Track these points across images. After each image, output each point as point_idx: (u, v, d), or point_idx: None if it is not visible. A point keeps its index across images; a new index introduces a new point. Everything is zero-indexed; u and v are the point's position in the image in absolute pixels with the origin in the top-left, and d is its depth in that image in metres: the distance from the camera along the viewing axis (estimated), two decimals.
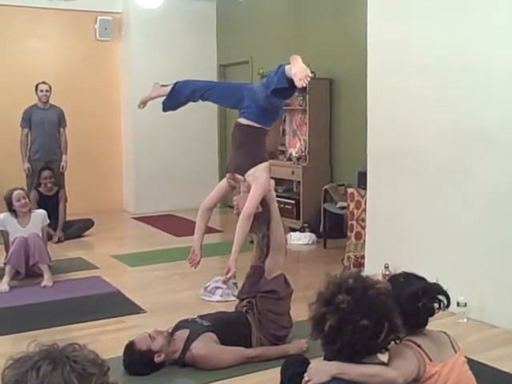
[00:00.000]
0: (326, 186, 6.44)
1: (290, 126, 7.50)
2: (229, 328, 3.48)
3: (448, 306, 2.38)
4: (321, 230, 6.41)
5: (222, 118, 8.95)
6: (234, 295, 4.40)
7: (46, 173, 6.81)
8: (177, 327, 3.48)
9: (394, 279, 2.44)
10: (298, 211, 6.93)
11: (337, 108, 6.92)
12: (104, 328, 4.05)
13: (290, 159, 7.27)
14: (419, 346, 2.25)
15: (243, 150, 3.67)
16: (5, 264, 5.08)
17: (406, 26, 4.64)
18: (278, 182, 6.58)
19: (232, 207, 3.86)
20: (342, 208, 5.97)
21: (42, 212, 5.49)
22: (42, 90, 7.00)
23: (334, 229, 6.44)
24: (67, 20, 8.13)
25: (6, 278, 4.97)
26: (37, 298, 4.74)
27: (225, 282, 4.44)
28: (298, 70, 3.30)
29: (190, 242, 4.05)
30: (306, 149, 7.05)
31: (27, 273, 5.14)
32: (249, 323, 3.54)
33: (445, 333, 2.42)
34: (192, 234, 3.91)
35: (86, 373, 1.17)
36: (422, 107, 4.54)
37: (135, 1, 8.12)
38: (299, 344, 3.51)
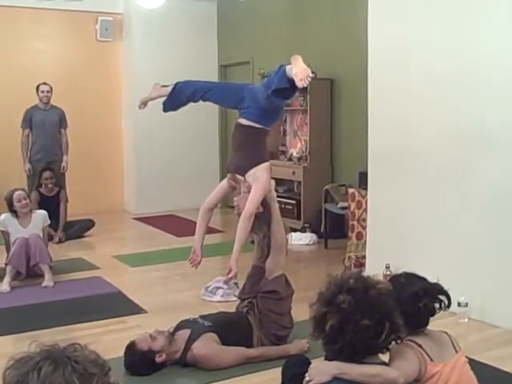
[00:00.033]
0: (326, 186, 6.44)
1: (291, 127, 7.50)
2: (230, 328, 3.48)
3: (449, 306, 2.38)
4: (322, 230, 6.41)
5: (222, 119, 8.96)
6: (234, 295, 4.40)
7: (46, 173, 6.82)
8: (178, 327, 3.48)
9: (395, 279, 2.44)
10: (298, 211, 6.93)
11: (337, 108, 6.92)
12: (105, 328, 4.05)
13: (290, 159, 7.27)
14: (420, 345, 2.25)
15: (244, 150, 3.67)
16: (6, 264, 5.09)
17: (406, 27, 4.64)
18: (279, 182, 6.58)
19: (233, 207, 3.86)
20: (343, 208, 5.97)
21: (42, 212, 5.50)
22: (43, 91, 7.00)
23: (335, 229, 6.44)
24: (68, 21, 8.13)
25: (6, 279, 4.97)
26: (38, 298, 4.74)
27: (226, 282, 4.44)
28: (299, 71, 3.30)
29: (190, 243, 4.05)
30: (306, 149, 7.05)
31: (28, 273, 5.14)
32: (250, 323, 3.54)
33: (446, 333, 2.42)
34: (193, 234, 3.91)
35: (88, 373, 1.17)
36: (422, 107, 4.54)
37: (136, 1, 8.12)
38: (300, 344, 3.51)
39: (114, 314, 4.35)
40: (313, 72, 3.39)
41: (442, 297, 2.36)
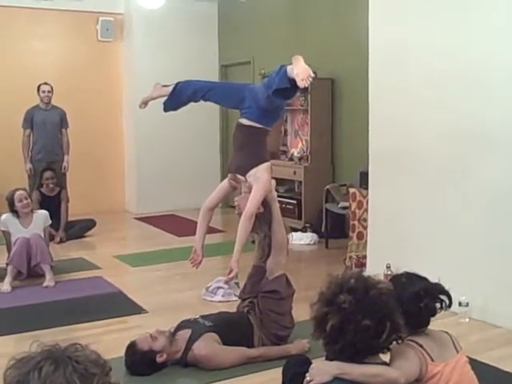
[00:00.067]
0: (327, 186, 6.44)
1: (292, 126, 7.50)
2: (231, 328, 3.48)
3: (450, 305, 2.38)
4: (322, 230, 6.41)
5: (223, 119, 8.96)
6: (235, 295, 4.40)
7: (47, 173, 6.82)
8: (179, 327, 3.48)
9: (396, 279, 2.44)
10: (299, 211, 6.93)
11: (338, 108, 6.92)
12: (106, 328, 4.05)
13: (291, 159, 7.27)
14: (421, 345, 2.25)
15: (244, 150, 3.67)
16: (7, 264, 5.09)
17: (406, 27, 4.65)
18: (280, 182, 6.58)
19: (233, 207, 3.86)
20: (344, 208, 5.97)
21: (43, 212, 5.50)
22: (44, 91, 7.01)
23: (336, 229, 6.44)
24: (69, 21, 8.14)
25: (8, 279, 4.98)
26: (39, 298, 4.74)
27: (227, 282, 4.44)
28: (300, 71, 3.30)
29: (191, 242, 4.05)
30: (307, 149, 7.05)
31: (29, 273, 5.14)
32: (251, 323, 3.54)
33: (447, 333, 2.42)
34: (194, 234, 3.91)
35: (88, 373, 1.17)
36: (422, 107, 4.54)
37: (137, 1, 8.13)
38: (301, 344, 3.51)
39: (114, 313, 4.35)
40: (313, 72, 3.39)
41: (442, 297, 2.36)
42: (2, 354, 2.81)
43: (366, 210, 5.27)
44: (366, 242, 5.26)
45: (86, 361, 1.19)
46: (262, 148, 3.71)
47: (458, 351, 2.34)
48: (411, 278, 2.42)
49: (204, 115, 8.22)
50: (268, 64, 6.85)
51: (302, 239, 6.57)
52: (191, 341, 3.33)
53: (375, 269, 4.54)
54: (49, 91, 7.02)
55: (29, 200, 5.34)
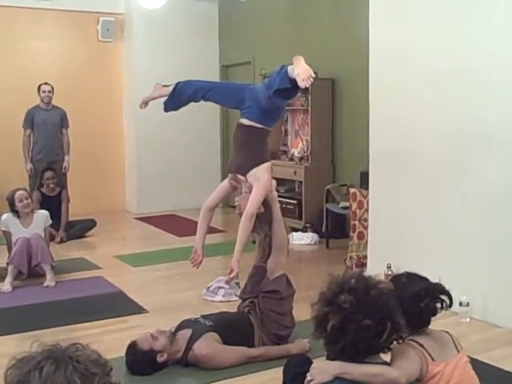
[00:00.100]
0: (328, 186, 6.44)
1: (292, 126, 7.50)
2: (231, 328, 3.48)
3: (450, 305, 2.39)
4: (323, 230, 6.41)
5: (224, 119, 8.96)
6: (236, 295, 4.40)
7: (48, 173, 6.82)
8: (179, 327, 3.49)
9: (397, 279, 2.44)
10: (300, 211, 6.93)
11: (339, 108, 6.92)
12: (106, 328, 4.05)
13: (292, 159, 7.27)
14: (422, 345, 2.25)
15: (245, 150, 3.67)
16: (7, 264, 5.09)
17: (407, 27, 4.65)
18: (280, 182, 6.57)
19: (234, 207, 3.86)
20: (345, 208, 5.96)
21: (44, 212, 5.50)
22: (44, 91, 7.01)
23: (337, 229, 6.44)
24: (69, 21, 8.14)
25: (8, 278, 4.98)
26: (39, 298, 4.74)
27: (227, 282, 4.44)
28: (301, 71, 3.30)
29: (192, 242, 4.05)
30: (308, 149, 7.05)
31: (30, 273, 5.15)
32: (251, 323, 3.54)
33: (447, 332, 2.42)
34: (194, 234, 3.91)
35: (89, 373, 1.17)
36: (423, 107, 4.54)
37: (137, 1, 8.13)
38: (302, 344, 3.51)
39: (115, 313, 4.35)
40: (314, 72, 3.39)
41: (443, 296, 2.36)
42: (2, 353, 2.82)
43: (367, 210, 5.27)
44: (366, 241, 5.26)
45: (86, 360, 1.19)
46: (262, 148, 3.71)
47: (458, 351, 2.34)
48: (412, 278, 2.42)
49: (204, 115, 8.23)
50: (268, 64, 6.86)
51: (303, 239, 6.57)
52: (192, 340, 3.33)
53: (376, 269, 4.54)
54: (49, 91, 7.03)
55: (29, 200, 5.34)
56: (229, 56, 8.76)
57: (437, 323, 2.44)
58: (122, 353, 3.30)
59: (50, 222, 5.54)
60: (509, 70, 3.92)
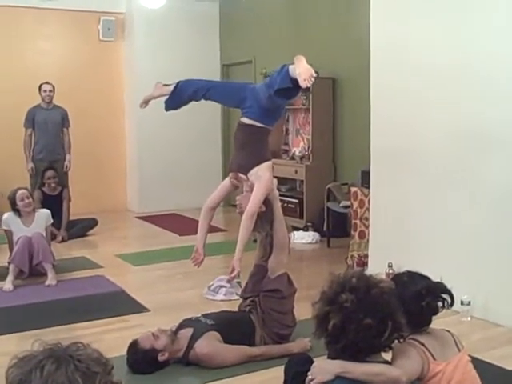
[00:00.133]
0: (329, 185, 6.43)
1: (294, 125, 7.50)
2: (232, 327, 3.48)
3: (452, 304, 2.38)
4: (324, 228, 6.41)
5: (225, 118, 8.96)
6: (237, 294, 4.40)
7: (49, 173, 6.83)
8: (180, 326, 3.49)
9: (398, 278, 2.44)
10: (301, 210, 6.93)
11: (340, 107, 6.91)
12: (108, 327, 4.06)
13: (293, 158, 7.27)
14: (423, 344, 2.25)
15: (246, 149, 3.67)
16: (9, 263, 5.10)
17: (408, 26, 4.64)
18: (282, 181, 6.58)
19: (235, 206, 3.86)
20: (346, 207, 5.96)
21: (45, 211, 5.51)
22: (45, 90, 7.02)
23: (338, 228, 6.44)
24: (70, 21, 8.14)
25: (9, 277, 4.98)
26: (41, 297, 4.75)
27: (229, 281, 4.44)
28: (303, 71, 3.30)
29: (193, 241, 4.04)
30: (309, 148, 7.05)
31: (31, 272, 5.15)
32: (252, 322, 3.54)
33: (449, 331, 2.42)
34: (195, 233, 3.91)
35: (90, 372, 1.17)
36: (424, 106, 4.54)
37: (138, 1, 8.14)
38: (303, 343, 3.51)
39: (116, 312, 4.35)
40: (315, 72, 3.38)
41: (444, 295, 2.36)
42: (3, 352, 2.83)
43: (368, 209, 5.27)
44: (367, 240, 5.26)
45: (88, 359, 1.19)
46: (263, 147, 3.71)
47: (459, 350, 2.34)
48: (413, 277, 2.42)
49: (206, 115, 8.23)
50: (269, 63, 6.86)
51: (304, 238, 6.57)
52: (193, 339, 3.33)
53: (377, 268, 4.54)
54: (50, 90, 7.03)
55: (30, 199, 5.35)
56: (229, 55, 8.76)
57: (438, 322, 2.44)
58: (124, 352, 3.30)
59: (52, 221, 5.55)
60: (509, 69, 3.92)
